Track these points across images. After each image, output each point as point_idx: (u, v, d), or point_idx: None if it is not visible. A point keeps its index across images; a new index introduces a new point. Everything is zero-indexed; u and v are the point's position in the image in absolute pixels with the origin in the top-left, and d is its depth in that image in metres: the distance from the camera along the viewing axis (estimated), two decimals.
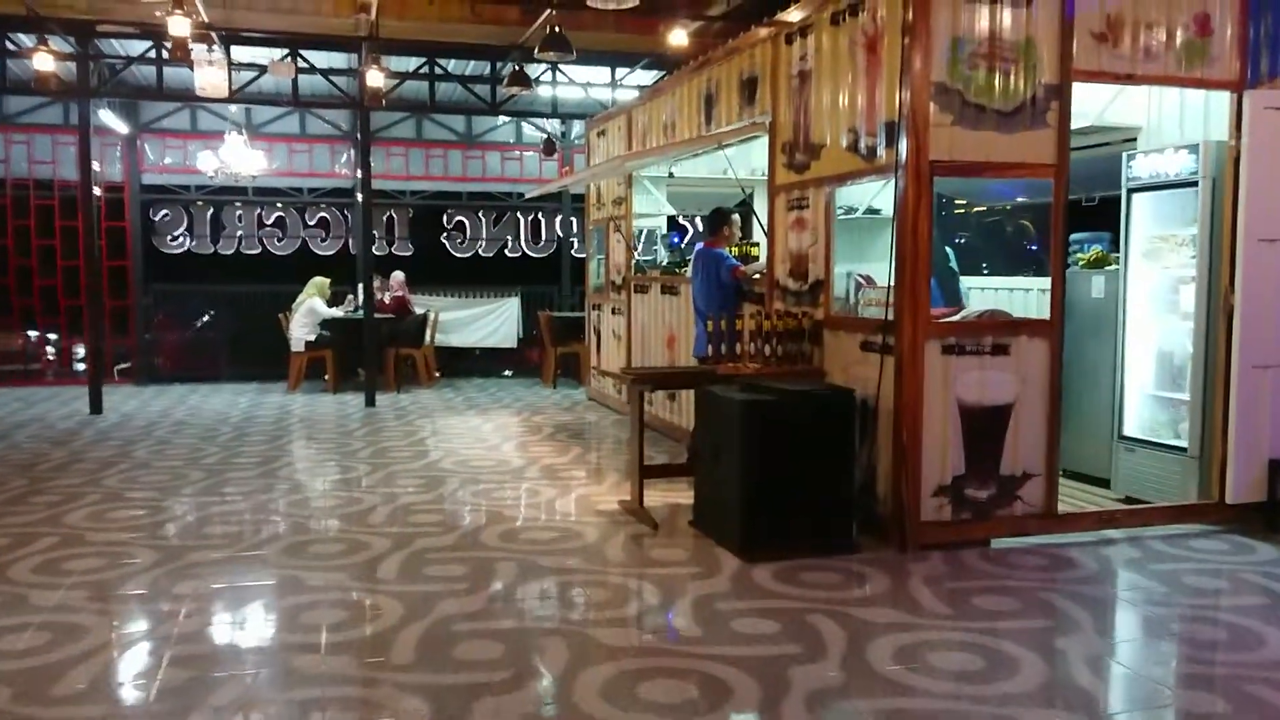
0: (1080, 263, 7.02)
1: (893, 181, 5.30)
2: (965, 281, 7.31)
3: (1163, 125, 6.80)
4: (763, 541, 5.22)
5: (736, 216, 7.48)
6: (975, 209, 10.75)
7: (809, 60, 6.24)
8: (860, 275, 6.19)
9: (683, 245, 9.48)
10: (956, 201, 9.10)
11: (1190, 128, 6.54)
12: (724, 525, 5.44)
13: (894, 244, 5.30)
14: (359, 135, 10.78)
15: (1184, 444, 6.08)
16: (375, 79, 9.24)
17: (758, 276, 7.09)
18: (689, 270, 8.72)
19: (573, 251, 14.73)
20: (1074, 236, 7.53)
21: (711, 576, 4.92)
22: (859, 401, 5.47)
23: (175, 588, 4.69)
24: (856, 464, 5.47)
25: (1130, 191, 6.46)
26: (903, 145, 5.20)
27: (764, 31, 6.84)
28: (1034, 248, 10.80)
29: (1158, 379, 6.46)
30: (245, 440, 8.75)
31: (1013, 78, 5.26)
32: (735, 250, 7.69)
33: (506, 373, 14.04)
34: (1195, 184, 5.93)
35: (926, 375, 5.24)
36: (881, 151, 5.46)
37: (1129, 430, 6.51)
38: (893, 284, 5.31)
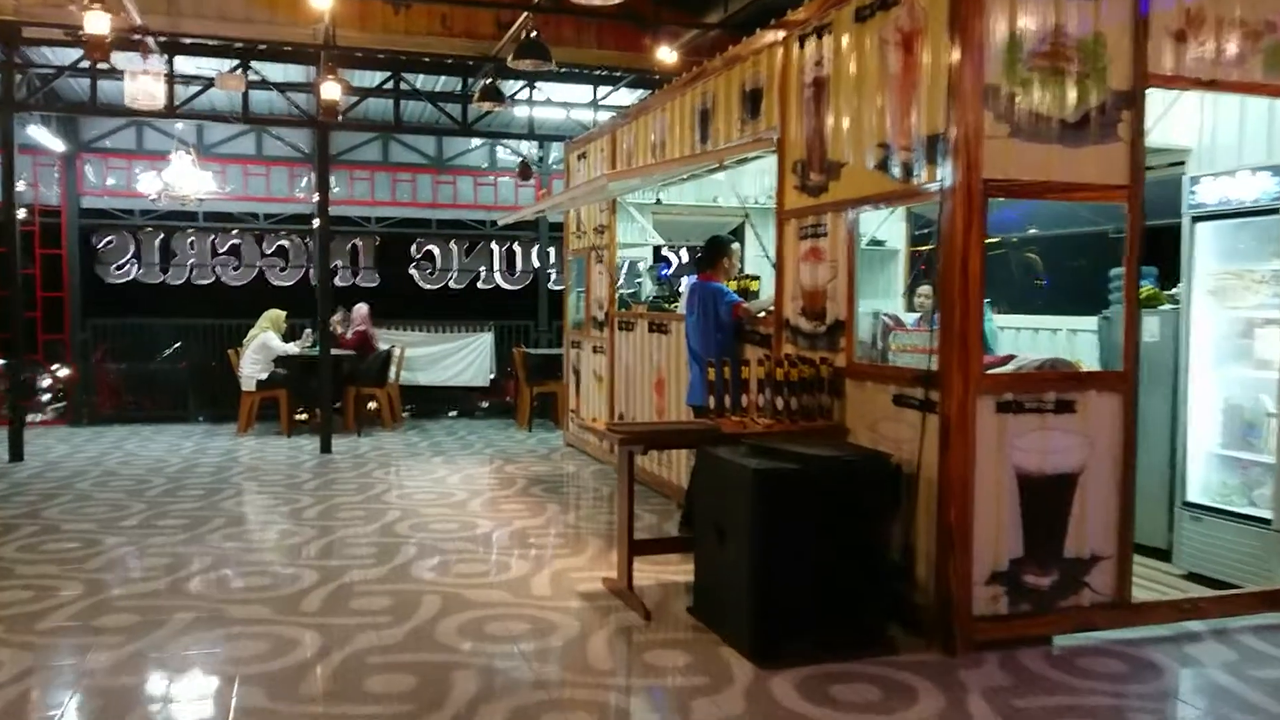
0: None
1: (933, 206, 4.41)
2: None
3: (1216, 147, 5.99)
4: (779, 640, 4.28)
5: (736, 246, 6.59)
6: None
7: (826, 65, 5.36)
8: (888, 315, 5.29)
9: (672, 278, 8.55)
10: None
11: (1252, 150, 5.73)
12: (731, 617, 4.49)
13: (939, 279, 4.41)
14: (317, 155, 9.81)
15: (1264, 514, 5.20)
16: (331, 91, 8.31)
17: (762, 315, 6.18)
18: (680, 306, 7.82)
19: (550, 284, 13.80)
20: (1114, 271, 6.71)
21: (721, 690, 3.95)
22: (894, 468, 4.54)
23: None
24: (891, 545, 4.54)
25: (1194, 220, 5.61)
26: (949, 162, 4.32)
27: (771, 35, 5.97)
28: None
29: (1226, 436, 5.58)
30: (178, 495, 7.71)
31: (1079, 82, 4.40)
32: (733, 284, 6.79)
33: (483, 404, 13.02)
34: (1278, 211, 5.09)
35: (978, 437, 4.32)
36: (920, 170, 4.57)
37: (1193, 495, 5.61)
38: (936, 327, 4.41)
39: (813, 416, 5.15)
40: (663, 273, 8.48)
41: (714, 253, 6.51)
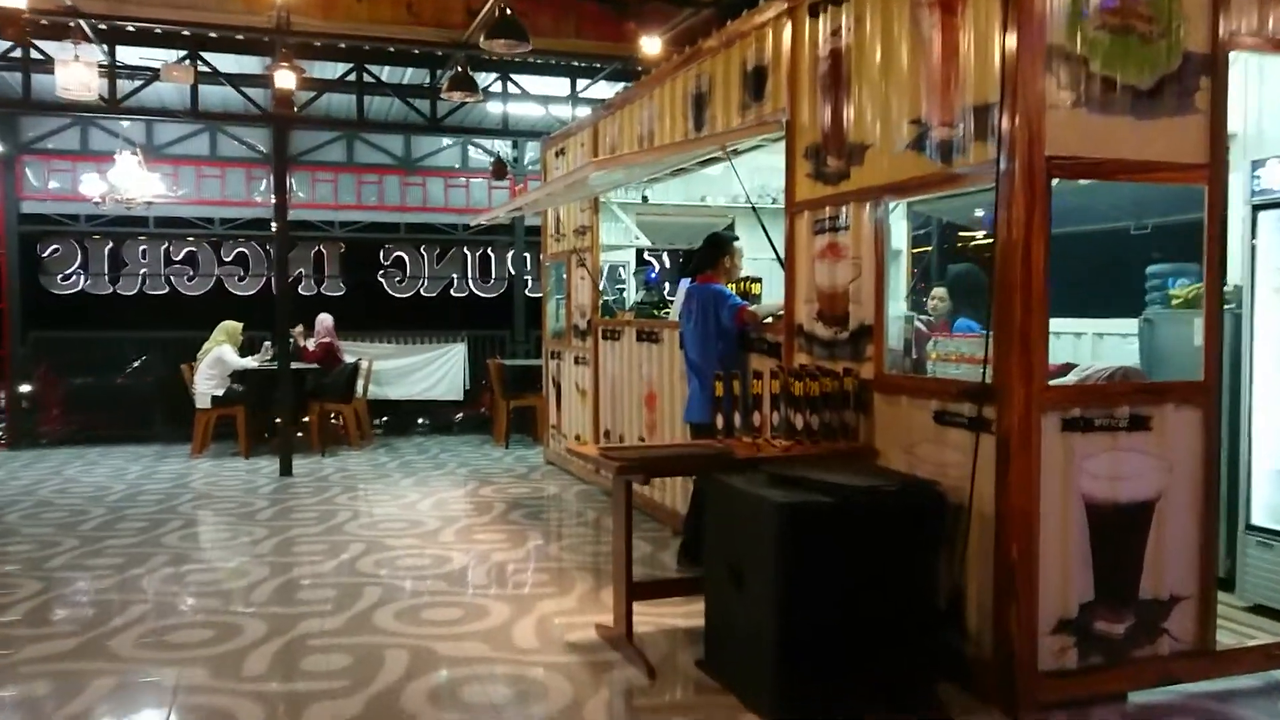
0: (1175, 301, 5.54)
1: (989, 191, 3.75)
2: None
3: (1263, 131, 5.38)
4: (810, 702, 3.60)
5: (740, 244, 5.90)
6: (960, 234, 9.32)
7: (845, 35, 4.70)
8: (922, 319, 4.63)
9: (661, 282, 7.87)
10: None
11: None
12: (751, 674, 3.80)
13: (994, 275, 3.74)
14: (274, 153, 9.05)
15: None
16: (286, 80, 7.57)
17: (769, 321, 5.51)
18: (673, 311, 7.14)
19: (527, 291, 13.09)
20: (1151, 269, 6.10)
21: None
22: (941, 499, 3.87)
23: None
24: (939, 589, 3.87)
25: (1256, 209, 4.98)
26: (1003, 138, 3.66)
27: (776, 6, 5.30)
28: None
29: None
30: (116, 529, 6.93)
31: (1152, 44, 3.75)
32: (733, 288, 6.10)
33: (457, 416, 12.26)
34: None
35: (1043, 461, 3.66)
36: (964, 150, 3.91)
37: (1258, 519, 4.97)
38: (992, 333, 3.74)
39: (836, 437, 4.47)
40: (650, 276, 7.79)
41: (714, 251, 5.84)
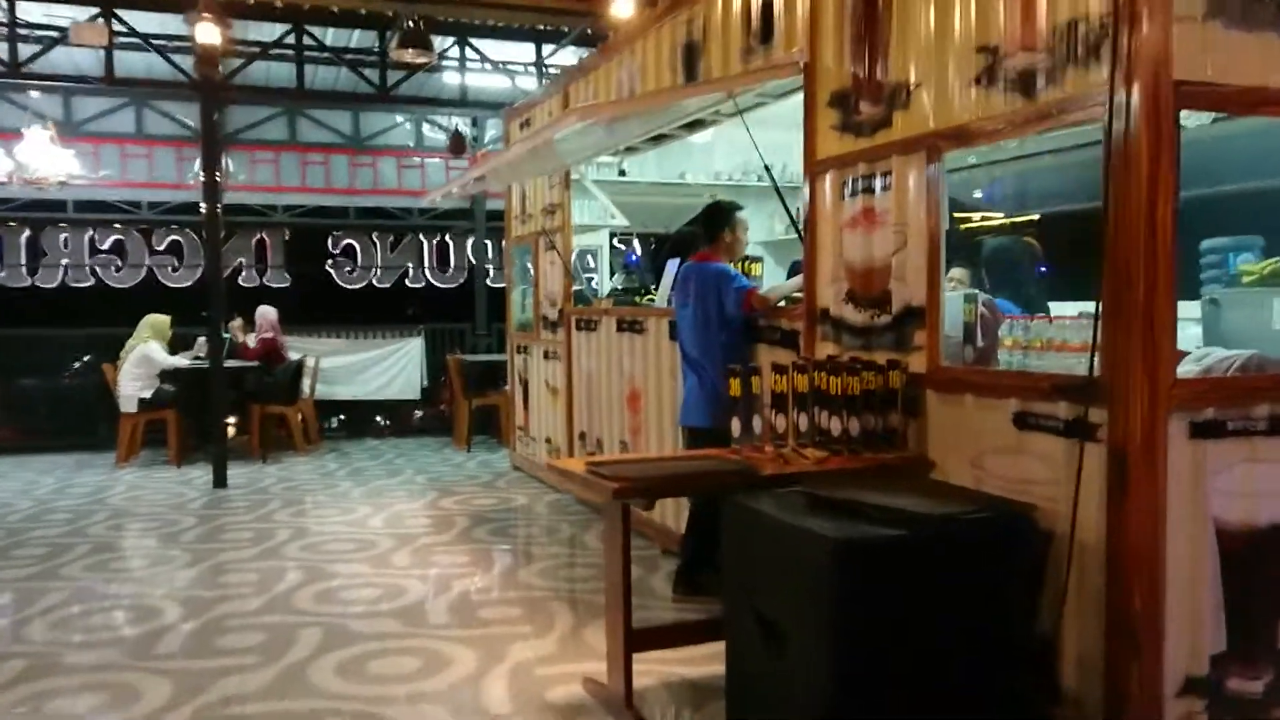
0: (1246, 279, 4.76)
1: (1100, 127, 2.90)
2: None
3: None
4: None
5: (744, 215, 5.03)
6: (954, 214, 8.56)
7: None
8: (985, 300, 3.79)
9: (641, 266, 6.99)
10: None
11: None
12: None
13: (1106, 239, 2.90)
14: (203, 125, 8.03)
15: None
16: (209, 34, 6.57)
17: (782, 305, 4.65)
18: (659, 297, 6.27)
19: (489, 281, 12.13)
20: (1206, 244, 5.35)
21: None
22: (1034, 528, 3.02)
23: None
24: (1030, 641, 3.03)
25: None
26: (1114, 61, 2.82)
27: None
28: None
29: None
30: (10, 556, 5.93)
31: None
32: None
33: (416, 414, 11.30)
34: None
35: (1170, 479, 2.83)
36: (1058, 77, 3.06)
37: None
38: (1100, 313, 2.90)
39: (880, 445, 3.62)
40: (631, 259, 6.90)
41: (713, 223, 4.98)
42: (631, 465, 3.47)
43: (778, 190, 4.63)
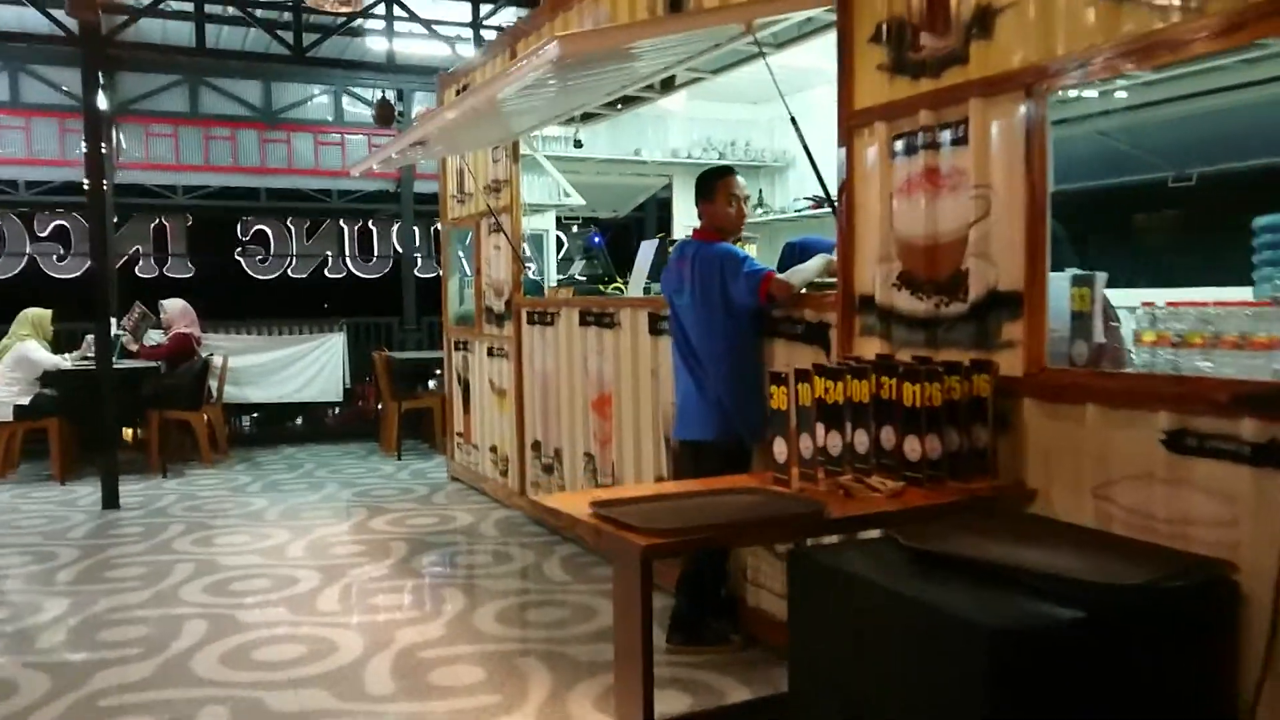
0: None
1: None
2: None
3: None
4: None
5: (740, 179, 4.16)
6: None
7: None
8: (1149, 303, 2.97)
9: (605, 248, 6.08)
10: None
11: None
12: None
13: None
14: (84, 90, 6.85)
15: None
16: None
17: (804, 292, 3.81)
18: (631, 284, 5.40)
19: (417, 270, 11.09)
20: (1261, 222, 4.69)
21: None
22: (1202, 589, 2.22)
23: None
24: None
25: None
26: None
27: None
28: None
29: None
30: None
31: None
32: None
33: (332, 412, 10.24)
34: None
35: None
36: None
37: None
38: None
39: (965, 471, 2.79)
40: (595, 240, 6.00)
41: (702, 193, 4.12)
42: (653, 506, 2.58)
43: (805, 147, 3.76)
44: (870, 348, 3.36)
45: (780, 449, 2.82)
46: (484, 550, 5.81)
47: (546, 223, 8.12)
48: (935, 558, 2.20)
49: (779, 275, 3.76)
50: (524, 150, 6.63)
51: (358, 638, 4.27)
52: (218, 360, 9.06)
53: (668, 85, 5.80)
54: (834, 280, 3.63)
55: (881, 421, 2.87)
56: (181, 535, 6.19)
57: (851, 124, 3.45)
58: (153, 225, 10.85)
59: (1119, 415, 2.56)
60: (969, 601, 1.97)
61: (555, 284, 7.13)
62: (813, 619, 2.30)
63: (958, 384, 2.79)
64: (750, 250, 5.06)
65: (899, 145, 3.25)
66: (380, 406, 10.01)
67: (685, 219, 8.26)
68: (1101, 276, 2.81)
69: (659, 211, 11.10)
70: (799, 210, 7.33)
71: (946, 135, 3.06)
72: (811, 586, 2.30)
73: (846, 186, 3.48)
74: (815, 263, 3.89)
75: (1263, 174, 4.96)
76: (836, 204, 3.55)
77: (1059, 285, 2.84)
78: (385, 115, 8.74)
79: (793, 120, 3.78)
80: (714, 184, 4.11)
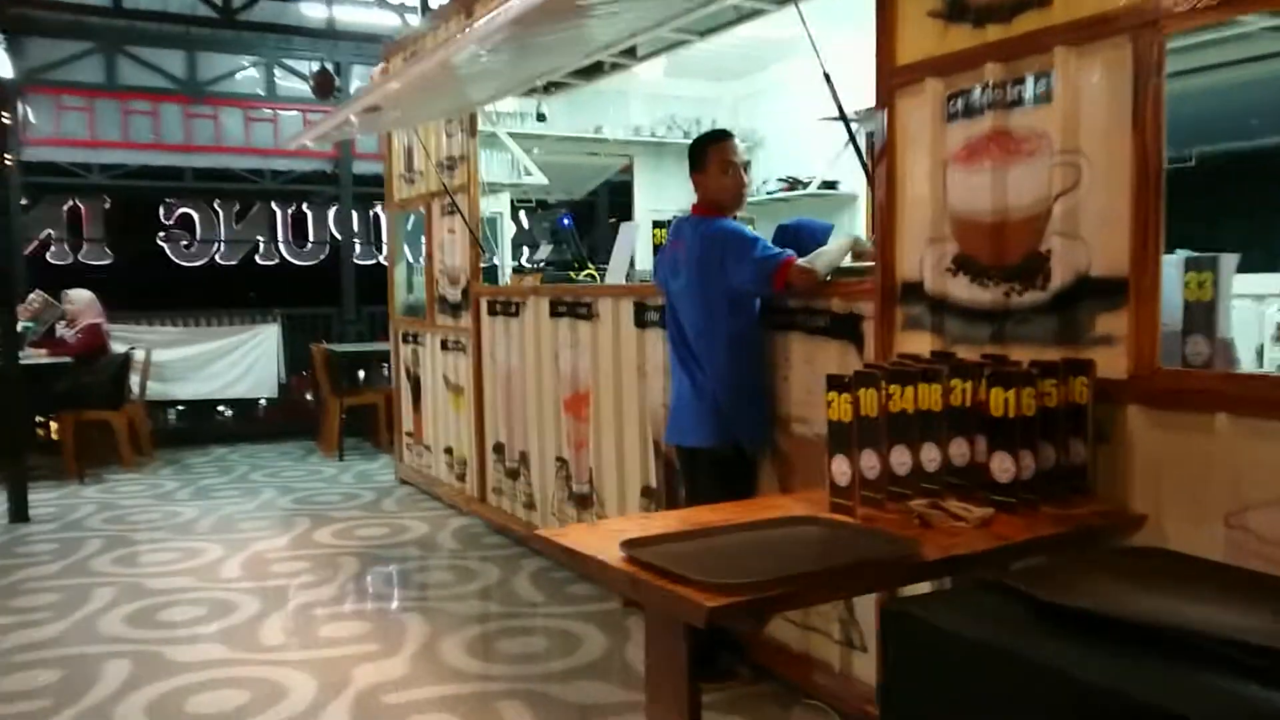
0: None
1: None
2: None
3: None
4: None
5: (737, 142, 3.62)
6: None
7: None
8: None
9: (573, 230, 5.54)
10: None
11: None
12: None
13: None
14: None
15: None
16: None
17: (829, 280, 3.32)
18: (611, 271, 4.88)
19: (356, 257, 10.40)
20: None
21: None
22: None
23: None
24: None
25: None
26: None
27: None
28: None
29: None
30: None
31: None
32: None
33: (259, 404, 9.55)
34: None
35: None
36: None
37: None
38: None
39: (1058, 494, 2.33)
40: (564, 222, 5.45)
41: (694, 163, 3.60)
42: (695, 546, 2.06)
43: (842, 112, 3.26)
44: (916, 344, 2.88)
45: (842, 469, 2.32)
46: (444, 566, 5.24)
47: (500, 205, 7.55)
48: (1075, 614, 1.72)
49: (800, 261, 3.26)
50: (482, 126, 6.05)
51: (308, 680, 3.69)
52: (140, 354, 8.32)
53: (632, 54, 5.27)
54: (865, 265, 3.15)
55: (955, 434, 2.40)
56: (101, 553, 5.52)
57: (894, 82, 2.95)
58: (66, 208, 9.99)
59: (1259, 427, 2.11)
60: (1152, 681, 1.49)
61: (513, 270, 6.58)
62: (920, 696, 1.81)
63: (1053, 388, 2.32)
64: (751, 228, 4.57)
65: (957, 105, 2.77)
66: (309, 398, 9.39)
67: (648, 202, 7.79)
68: (1229, 260, 2.36)
69: (611, 196, 10.58)
70: (770, 193, 6.88)
71: (1026, 90, 2.58)
72: (918, 654, 1.80)
73: (885, 155, 2.99)
74: (839, 244, 3.40)
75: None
76: (871, 176, 3.06)
77: (1166, 271, 2.38)
78: (324, 86, 8.04)
79: (826, 77, 3.26)
80: (705, 151, 3.59)
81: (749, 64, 7.10)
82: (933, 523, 2.24)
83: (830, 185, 6.72)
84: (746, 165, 3.69)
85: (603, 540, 2.15)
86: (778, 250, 3.32)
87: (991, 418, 2.30)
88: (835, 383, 2.32)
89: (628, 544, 2.03)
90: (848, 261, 3.42)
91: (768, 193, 6.89)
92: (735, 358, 3.44)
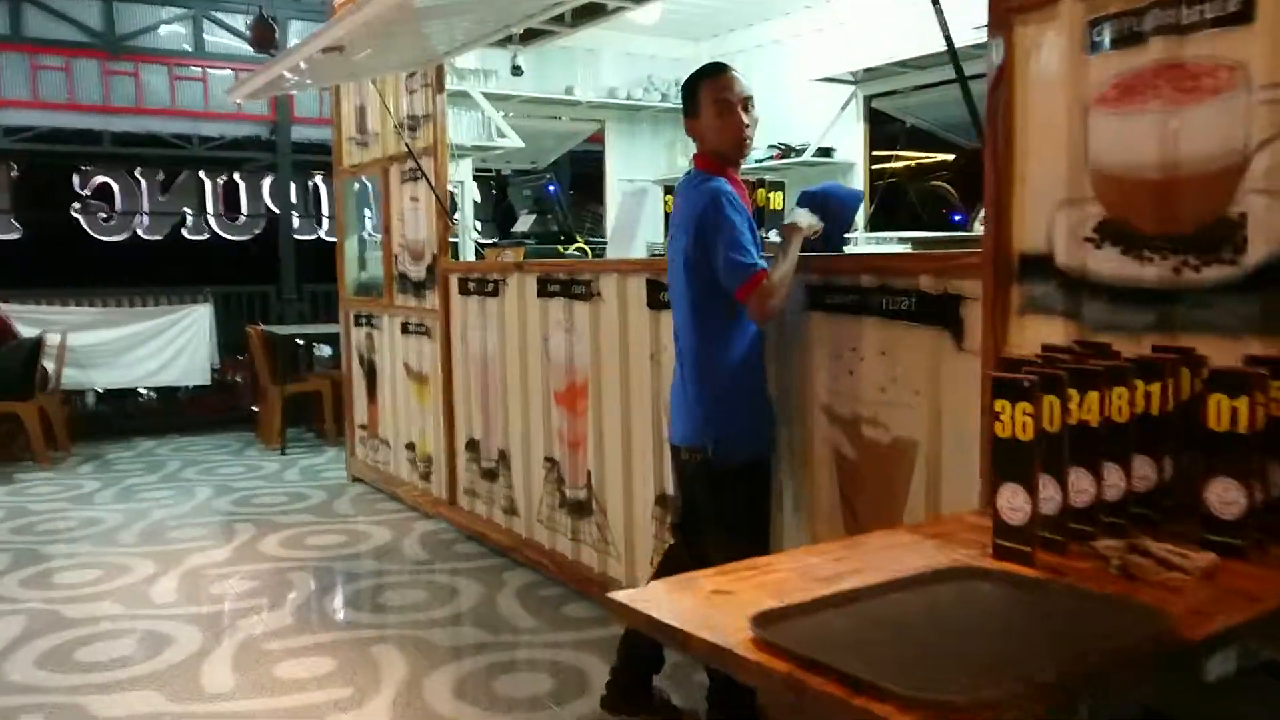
0: None
1: None
2: None
3: None
4: None
5: (735, 74, 2.95)
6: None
7: None
8: None
9: (559, 199, 4.89)
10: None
11: None
12: None
13: None
14: None
15: None
16: None
17: (860, 252, 2.74)
18: (610, 244, 4.28)
19: (295, 231, 9.60)
20: None
21: None
22: None
23: None
24: None
25: None
26: None
27: None
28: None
29: None
30: None
31: None
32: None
33: (184, 388, 8.74)
34: None
35: None
36: None
37: None
38: None
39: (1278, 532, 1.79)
40: (550, 190, 4.80)
41: (690, 98, 2.95)
42: (852, 619, 1.47)
43: (950, 46, 2.65)
44: (1041, 331, 2.32)
45: (1017, 504, 1.74)
46: (414, 582, 4.59)
47: (463, 173, 6.88)
48: None
49: (768, 280, 2.65)
50: (452, 76, 5.37)
51: None
52: (54, 338, 7.47)
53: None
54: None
55: (1140, 451, 1.84)
56: (8, 572, 4.75)
57: (1014, 4, 2.37)
58: None
59: None
60: None
61: (478, 244, 5.92)
62: None
63: None
64: (777, 199, 3.99)
65: (1103, 33, 2.20)
66: (239, 380, 8.64)
67: (621, 171, 7.24)
68: None
69: (573, 167, 9.94)
70: (759, 160, 6.30)
71: (1204, 10, 2.02)
72: None
73: (1000, 97, 2.41)
74: (791, 255, 2.78)
75: None
76: (983, 128, 2.47)
77: None
78: (264, 38, 7.22)
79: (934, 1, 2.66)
80: (695, 90, 2.92)
81: (733, 19, 6.56)
82: (1137, 573, 1.68)
83: (825, 152, 6.19)
84: (748, 102, 3.00)
85: (707, 607, 1.55)
86: (751, 260, 2.67)
87: (1209, 431, 1.74)
88: (1008, 388, 1.73)
89: (761, 620, 1.43)
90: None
91: (756, 160, 6.31)
92: (708, 343, 2.82)
